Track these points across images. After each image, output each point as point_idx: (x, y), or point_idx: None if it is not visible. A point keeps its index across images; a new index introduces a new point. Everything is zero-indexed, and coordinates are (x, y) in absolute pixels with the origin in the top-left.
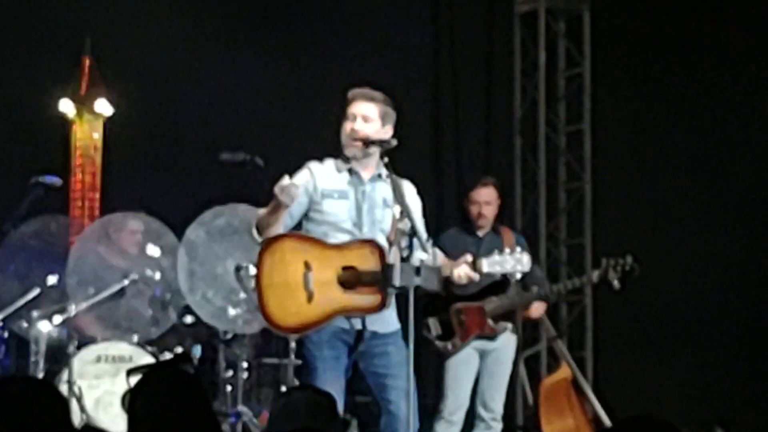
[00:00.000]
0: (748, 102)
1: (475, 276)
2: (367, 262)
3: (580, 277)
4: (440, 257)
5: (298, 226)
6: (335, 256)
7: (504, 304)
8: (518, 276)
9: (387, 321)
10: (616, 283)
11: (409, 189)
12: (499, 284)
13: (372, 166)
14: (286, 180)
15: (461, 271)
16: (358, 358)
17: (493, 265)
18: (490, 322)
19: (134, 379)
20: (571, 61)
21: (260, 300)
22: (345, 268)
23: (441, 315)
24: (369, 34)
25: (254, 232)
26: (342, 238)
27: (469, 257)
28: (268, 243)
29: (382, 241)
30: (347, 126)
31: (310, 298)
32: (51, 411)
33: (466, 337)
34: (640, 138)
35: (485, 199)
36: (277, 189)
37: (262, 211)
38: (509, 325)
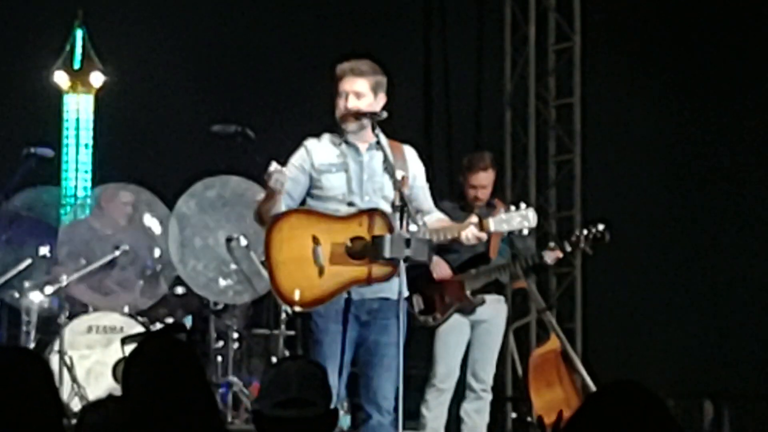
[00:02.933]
0: (737, 76)
1: (483, 236)
2: (374, 232)
3: (553, 248)
4: (444, 219)
5: (302, 205)
6: (343, 227)
7: (484, 276)
8: (525, 232)
9: (394, 289)
10: (588, 250)
11: (410, 153)
12: (479, 257)
13: (367, 136)
14: (273, 166)
15: (469, 233)
16: (361, 328)
17: (500, 223)
18: (468, 295)
19: (129, 348)
20: (561, 35)
21: (271, 277)
22: (354, 239)
23: (423, 290)
24: (360, 7)
25: (255, 216)
26: (347, 210)
27: (475, 218)
28: (275, 220)
29: (386, 208)
30: (340, 104)
31: (321, 272)
32: (38, 382)
33: (446, 311)
34: (629, 112)
35: (483, 184)
36: (266, 176)
37: (260, 198)
38: (487, 298)
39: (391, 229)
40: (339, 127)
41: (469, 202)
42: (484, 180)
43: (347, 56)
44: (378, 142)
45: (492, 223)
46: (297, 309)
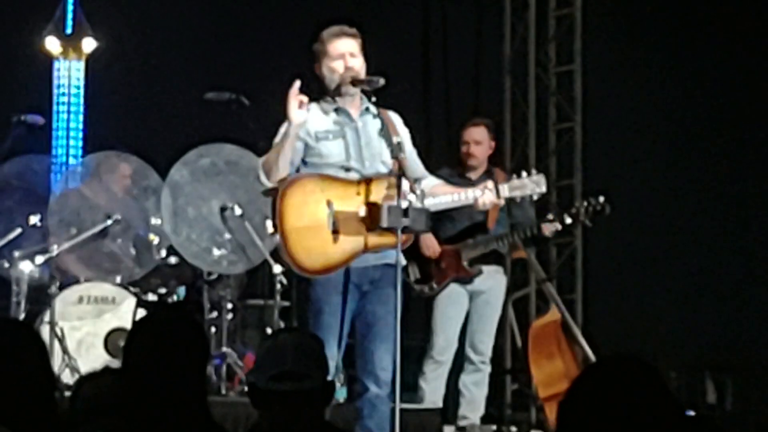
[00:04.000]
0: (739, 42)
1: (501, 201)
2: (387, 198)
3: (552, 220)
4: (442, 183)
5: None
6: (356, 193)
7: (482, 246)
8: (536, 197)
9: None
10: (587, 222)
11: (396, 120)
12: (477, 226)
13: (357, 102)
14: (295, 88)
15: (486, 198)
16: (361, 298)
17: (513, 189)
18: (465, 264)
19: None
20: (561, 0)
21: (284, 244)
22: (368, 205)
23: (420, 259)
24: None
25: (261, 175)
26: (346, 176)
27: (490, 183)
28: (288, 186)
29: (383, 171)
30: (337, 66)
31: (335, 237)
32: (29, 353)
33: (443, 280)
34: (630, 79)
35: (475, 138)
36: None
37: (266, 155)
38: (485, 269)
39: (401, 195)
40: (333, 91)
41: (463, 162)
42: (476, 135)
43: (334, 21)
44: (368, 108)
45: (506, 189)
46: (307, 276)
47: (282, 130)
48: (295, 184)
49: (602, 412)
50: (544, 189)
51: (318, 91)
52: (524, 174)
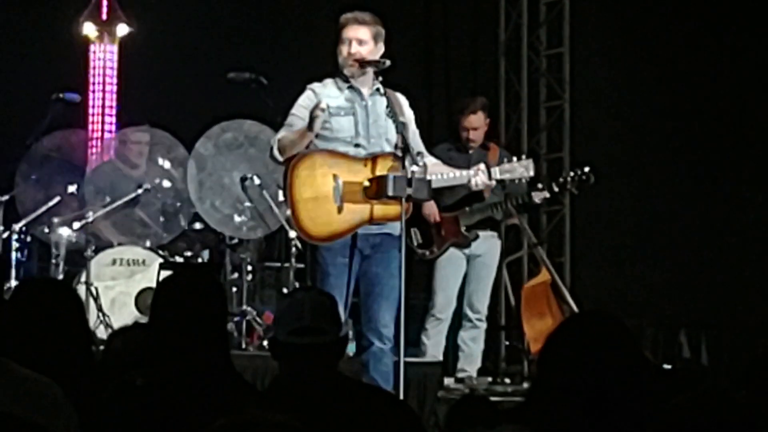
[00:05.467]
0: (721, 26)
1: (492, 183)
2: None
3: (542, 189)
4: (438, 164)
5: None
6: (361, 168)
7: (479, 213)
8: (524, 181)
9: (396, 225)
10: (574, 190)
11: (403, 101)
12: (474, 195)
13: (369, 82)
14: (321, 105)
15: (478, 179)
16: (364, 261)
17: (504, 172)
18: (463, 230)
19: (165, 273)
20: None
21: (293, 213)
22: (371, 180)
23: (421, 226)
24: None
25: (276, 153)
26: (352, 151)
27: (483, 166)
28: (298, 160)
29: (388, 149)
30: (343, 50)
31: (339, 209)
32: (68, 310)
33: (442, 245)
34: (615, 61)
35: (473, 126)
36: (313, 115)
37: (283, 134)
38: (481, 234)
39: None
40: (341, 72)
41: (463, 143)
42: (475, 122)
43: (350, 7)
44: (379, 89)
45: (497, 172)
46: (313, 243)
47: (298, 124)
48: (304, 158)
49: (574, 361)
50: (532, 173)
51: (311, 65)
52: (514, 159)
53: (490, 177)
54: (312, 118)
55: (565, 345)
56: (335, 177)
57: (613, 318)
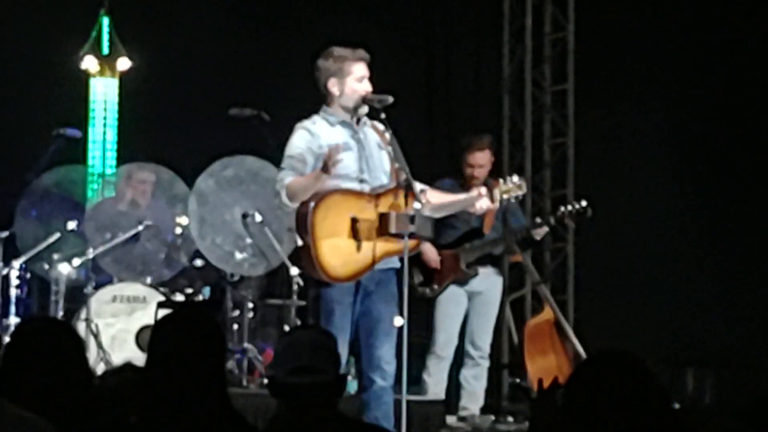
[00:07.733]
0: (727, 57)
1: (495, 205)
2: (394, 208)
3: (540, 224)
4: (440, 192)
5: None
6: (366, 204)
7: (478, 250)
8: (520, 197)
9: (396, 259)
10: (571, 224)
11: (382, 128)
12: (474, 232)
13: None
14: (337, 150)
15: (483, 203)
16: (366, 298)
17: (502, 193)
18: (463, 267)
19: (163, 311)
20: (556, 25)
21: (315, 254)
22: (381, 215)
23: (422, 264)
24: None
25: (285, 199)
26: (358, 187)
27: (483, 190)
28: (318, 201)
29: (385, 181)
30: (357, 86)
31: (358, 247)
32: (68, 349)
33: (443, 282)
34: (619, 97)
35: (479, 163)
36: (327, 158)
37: (292, 180)
38: (482, 271)
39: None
40: (346, 108)
41: (466, 179)
42: (480, 159)
43: (351, 44)
44: (366, 122)
45: (498, 194)
46: (336, 283)
47: (299, 167)
48: (323, 200)
49: (598, 403)
50: (524, 189)
51: (312, 102)
52: (509, 178)
53: (493, 199)
54: (328, 162)
55: (588, 389)
56: (353, 218)
57: (638, 359)
